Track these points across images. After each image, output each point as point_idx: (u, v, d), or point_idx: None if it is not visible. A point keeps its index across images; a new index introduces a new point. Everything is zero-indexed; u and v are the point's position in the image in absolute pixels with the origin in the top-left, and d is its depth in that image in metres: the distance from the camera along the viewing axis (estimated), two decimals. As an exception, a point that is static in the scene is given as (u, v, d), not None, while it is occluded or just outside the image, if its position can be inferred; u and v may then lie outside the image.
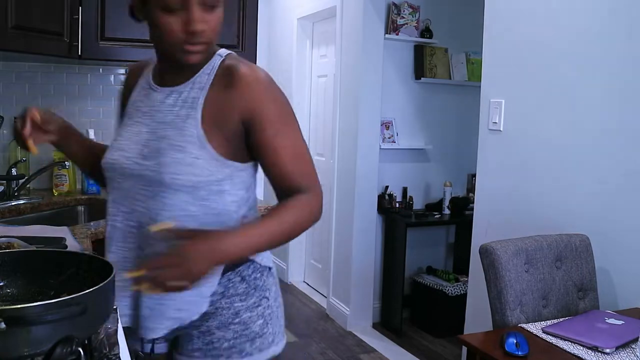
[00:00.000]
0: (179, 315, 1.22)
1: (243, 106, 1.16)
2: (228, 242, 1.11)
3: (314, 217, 1.21)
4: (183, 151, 1.15)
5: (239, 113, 1.16)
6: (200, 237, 1.10)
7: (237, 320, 1.25)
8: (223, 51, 1.24)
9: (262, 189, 3.19)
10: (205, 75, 1.20)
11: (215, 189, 1.17)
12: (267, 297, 1.30)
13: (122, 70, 2.80)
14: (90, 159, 1.39)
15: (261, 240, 1.15)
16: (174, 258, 1.07)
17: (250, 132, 1.18)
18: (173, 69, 1.22)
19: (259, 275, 1.29)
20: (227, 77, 1.18)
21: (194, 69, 1.20)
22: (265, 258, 1.32)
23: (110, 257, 1.23)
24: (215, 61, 1.21)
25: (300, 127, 1.24)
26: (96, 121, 2.78)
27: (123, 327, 1.09)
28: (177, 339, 1.29)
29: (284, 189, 1.21)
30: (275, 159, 1.19)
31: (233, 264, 1.24)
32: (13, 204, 2.30)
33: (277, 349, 1.32)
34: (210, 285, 1.22)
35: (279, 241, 1.18)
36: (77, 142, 1.39)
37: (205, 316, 1.24)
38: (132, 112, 1.27)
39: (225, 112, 1.17)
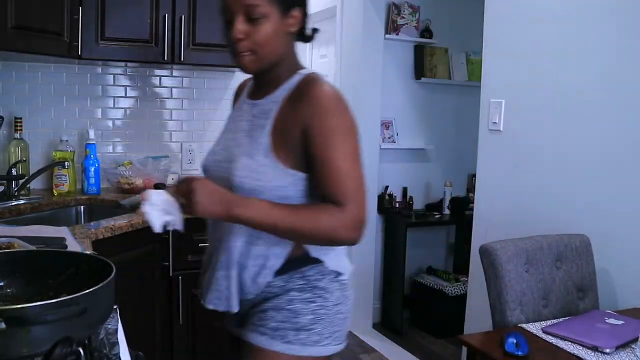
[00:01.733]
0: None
1: (303, 118, 1.25)
2: (238, 202, 1.22)
3: (335, 232, 1.23)
4: (251, 157, 1.28)
5: (300, 125, 1.25)
6: (218, 185, 1.23)
7: (289, 307, 1.31)
8: (305, 71, 1.35)
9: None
10: (284, 91, 1.32)
11: (278, 194, 1.26)
12: (325, 297, 1.33)
13: (122, 71, 2.80)
14: None
15: (267, 220, 1.22)
16: (183, 187, 1.21)
17: (306, 144, 1.25)
18: (260, 85, 1.38)
19: (320, 277, 1.34)
20: (298, 92, 1.29)
21: (276, 84, 1.33)
22: (335, 263, 1.36)
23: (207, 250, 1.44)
24: (295, 78, 1.32)
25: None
26: (96, 121, 2.77)
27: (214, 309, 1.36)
28: (243, 317, 1.40)
29: (324, 200, 1.26)
30: (321, 170, 1.24)
31: (297, 265, 1.33)
32: (13, 204, 2.29)
33: (321, 350, 1.32)
34: (265, 275, 1.32)
35: (284, 230, 1.23)
36: None
37: (265, 299, 1.34)
38: (229, 121, 1.45)
39: (290, 124, 1.27)
